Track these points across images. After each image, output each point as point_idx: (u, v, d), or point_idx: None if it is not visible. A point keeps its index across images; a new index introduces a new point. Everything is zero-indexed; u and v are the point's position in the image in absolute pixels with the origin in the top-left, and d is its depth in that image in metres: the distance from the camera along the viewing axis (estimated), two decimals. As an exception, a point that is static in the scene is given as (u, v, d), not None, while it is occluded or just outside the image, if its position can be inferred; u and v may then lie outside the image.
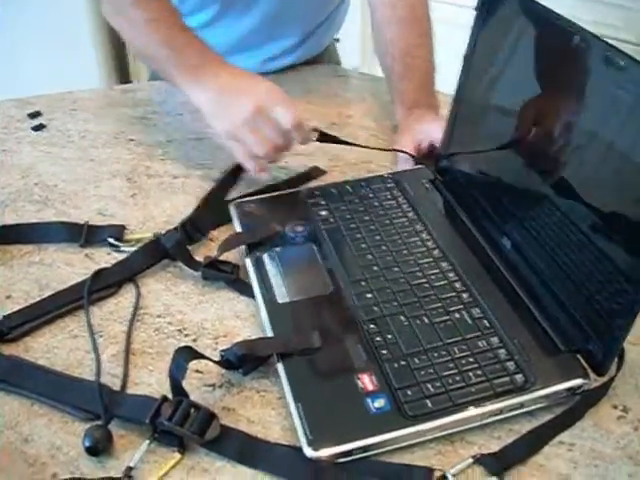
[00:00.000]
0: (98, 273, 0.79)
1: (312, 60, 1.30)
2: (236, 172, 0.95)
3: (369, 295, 0.73)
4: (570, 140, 0.71)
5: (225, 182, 0.94)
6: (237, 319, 0.75)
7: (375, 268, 0.76)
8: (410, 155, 0.95)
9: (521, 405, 0.63)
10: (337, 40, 1.40)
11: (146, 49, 0.97)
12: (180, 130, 1.09)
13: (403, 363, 0.65)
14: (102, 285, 0.78)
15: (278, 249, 0.79)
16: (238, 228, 0.83)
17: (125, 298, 0.78)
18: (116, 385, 0.68)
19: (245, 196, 0.90)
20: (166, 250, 0.81)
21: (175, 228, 0.84)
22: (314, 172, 0.97)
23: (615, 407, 0.66)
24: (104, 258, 0.84)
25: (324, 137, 0.94)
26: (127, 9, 0.95)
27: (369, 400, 0.62)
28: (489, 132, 0.85)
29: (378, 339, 0.67)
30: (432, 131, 0.95)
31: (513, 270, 0.75)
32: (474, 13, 0.82)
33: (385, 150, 0.99)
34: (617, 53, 0.62)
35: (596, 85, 0.66)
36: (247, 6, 1.14)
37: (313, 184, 0.94)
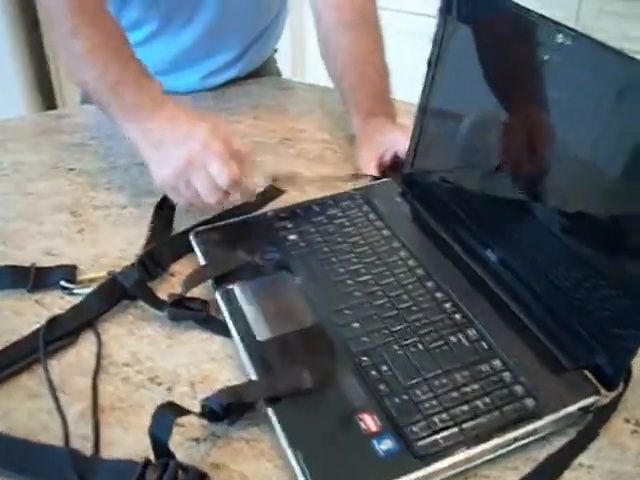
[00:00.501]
0: (52, 321, 0.71)
1: (254, 73, 1.25)
2: None
3: (355, 325, 0.67)
4: (546, 145, 0.67)
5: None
6: (213, 362, 0.69)
7: (357, 294, 0.71)
8: (375, 177, 0.91)
9: (535, 431, 0.59)
10: (276, 50, 1.36)
11: (86, 84, 0.88)
12: (123, 155, 1.02)
13: (405, 397, 0.60)
14: (58, 334, 0.71)
15: (249, 280, 0.73)
16: (202, 260, 0.77)
17: (85, 347, 0.71)
18: (88, 448, 0.60)
19: (204, 223, 0.83)
20: (125, 289, 0.75)
21: (132, 264, 0.78)
22: (271, 193, 0.90)
23: (627, 421, 0.63)
24: (57, 303, 0.76)
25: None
26: (67, 40, 0.87)
27: (375, 442, 0.57)
28: (458, 140, 0.81)
29: (373, 373, 0.62)
30: (395, 141, 0.91)
31: (502, 285, 0.71)
32: (436, 16, 0.78)
33: (347, 179, 0.94)
34: (606, 51, 0.58)
35: (575, 86, 0.63)
36: (187, 21, 1.09)
37: (273, 205, 0.89)
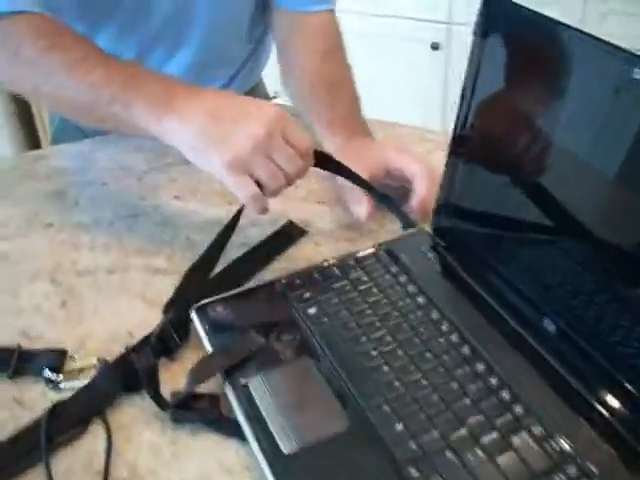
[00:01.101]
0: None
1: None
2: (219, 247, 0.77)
3: (399, 426, 0.56)
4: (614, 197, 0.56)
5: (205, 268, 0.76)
6: (228, 475, 0.57)
7: (397, 384, 0.59)
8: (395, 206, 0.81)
9: None
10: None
11: (78, 96, 0.75)
12: (107, 206, 0.90)
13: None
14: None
15: (265, 370, 0.61)
16: (207, 345, 0.65)
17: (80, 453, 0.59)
18: None
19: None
20: (128, 382, 0.63)
21: (132, 349, 0.66)
22: (291, 231, 0.81)
23: None
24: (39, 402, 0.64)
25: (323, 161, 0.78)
26: (39, 56, 0.76)
27: None
28: (504, 179, 0.69)
29: (426, 490, 0.51)
30: (387, 158, 0.83)
31: (565, 363, 0.60)
32: (472, 37, 0.66)
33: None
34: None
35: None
36: (168, 56, 1.00)
37: (284, 265, 0.77)
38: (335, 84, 0.94)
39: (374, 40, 2.22)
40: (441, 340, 0.63)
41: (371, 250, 0.74)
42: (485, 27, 0.65)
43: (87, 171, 0.99)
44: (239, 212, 0.75)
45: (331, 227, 0.85)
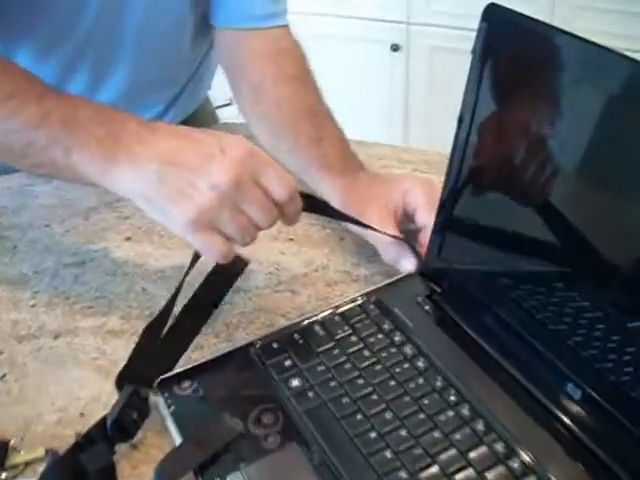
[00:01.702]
0: None
1: (187, 120, 1.05)
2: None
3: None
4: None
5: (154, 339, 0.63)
6: None
7: (402, 474, 0.50)
8: (412, 249, 0.70)
9: None
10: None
11: (7, 139, 0.63)
12: (51, 252, 0.80)
13: None
14: None
15: (246, 464, 0.51)
16: (176, 435, 0.55)
17: None
18: None
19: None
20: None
21: (85, 437, 0.55)
22: (234, 265, 0.69)
23: None
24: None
25: (313, 206, 0.67)
26: None
27: None
28: (510, 212, 0.61)
29: None
30: (407, 193, 0.72)
31: (596, 435, 0.51)
32: (471, 54, 0.57)
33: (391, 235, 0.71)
34: None
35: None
36: (94, 80, 0.89)
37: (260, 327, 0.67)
38: (317, 114, 0.83)
39: (331, 42, 2.12)
40: (450, 414, 0.54)
41: (358, 302, 0.65)
42: (486, 43, 0.55)
43: (25, 210, 0.87)
44: (195, 259, 0.64)
45: (307, 271, 0.75)
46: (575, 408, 0.54)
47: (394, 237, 0.69)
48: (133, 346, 0.62)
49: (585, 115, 0.51)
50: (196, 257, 0.62)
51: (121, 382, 0.59)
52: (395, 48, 2.13)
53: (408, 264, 0.69)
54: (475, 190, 0.63)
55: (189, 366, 0.60)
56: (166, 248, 0.79)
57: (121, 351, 0.65)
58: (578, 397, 0.54)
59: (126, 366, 0.60)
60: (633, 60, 0.46)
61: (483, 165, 0.61)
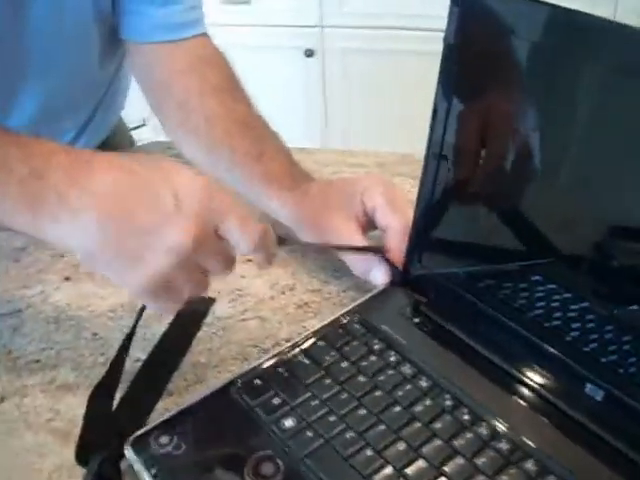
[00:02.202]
0: None
1: (103, 145, 0.98)
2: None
3: None
4: None
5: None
6: None
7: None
8: (383, 258, 0.64)
9: None
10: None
11: None
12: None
13: None
14: None
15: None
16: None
17: None
18: None
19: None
20: None
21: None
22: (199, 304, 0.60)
23: None
24: None
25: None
26: None
27: None
28: (492, 211, 0.57)
29: None
30: (369, 196, 0.67)
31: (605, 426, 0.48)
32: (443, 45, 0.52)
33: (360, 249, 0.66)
34: None
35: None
36: (3, 110, 0.80)
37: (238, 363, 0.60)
38: (252, 126, 0.77)
39: (243, 52, 2.05)
40: (469, 435, 0.48)
41: (341, 322, 0.59)
42: (458, 29, 0.50)
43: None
44: (141, 311, 0.57)
45: (273, 293, 0.69)
46: (580, 402, 0.50)
47: (369, 250, 0.63)
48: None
49: (575, 107, 0.47)
50: (144, 308, 0.55)
51: (83, 455, 0.51)
52: (309, 53, 2.08)
53: (379, 276, 0.64)
54: (454, 189, 0.58)
55: (163, 418, 0.52)
56: (111, 285, 0.71)
57: (78, 408, 0.57)
58: (601, 398, 0.50)
59: (81, 436, 0.52)
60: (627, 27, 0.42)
61: (462, 162, 0.56)
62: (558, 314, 0.55)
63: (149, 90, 0.85)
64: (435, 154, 0.56)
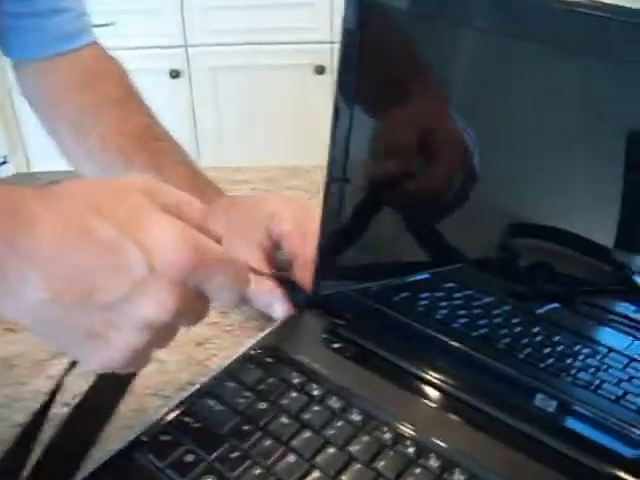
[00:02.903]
0: None
1: None
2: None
3: None
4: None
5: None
6: None
7: None
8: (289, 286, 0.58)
9: None
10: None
11: None
12: None
13: None
14: None
15: None
16: None
17: None
18: None
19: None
20: None
21: None
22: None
23: None
24: None
25: None
26: None
27: None
28: (400, 220, 0.52)
29: None
30: (278, 221, 0.61)
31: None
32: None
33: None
34: None
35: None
36: None
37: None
38: (151, 138, 0.72)
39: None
40: (418, 471, 0.43)
41: (251, 356, 0.52)
42: (359, 14, 0.45)
43: None
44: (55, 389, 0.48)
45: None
46: (527, 412, 0.46)
47: (276, 277, 0.57)
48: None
49: (500, 94, 0.43)
50: (73, 364, 0.46)
51: None
52: (175, 74, 2.00)
53: (279, 309, 0.57)
54: (357, 203, 0.53)
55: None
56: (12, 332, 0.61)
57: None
58: (554, 410, 0.45)
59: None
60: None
61: (370, 168, 0.51)
62: (483, 321, 0.52)
63: (41, 112, 0.78)
64: (339, 161, 0.50)
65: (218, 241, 0.40)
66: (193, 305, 0.40)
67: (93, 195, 0.38)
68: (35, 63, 0.74)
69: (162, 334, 0.40)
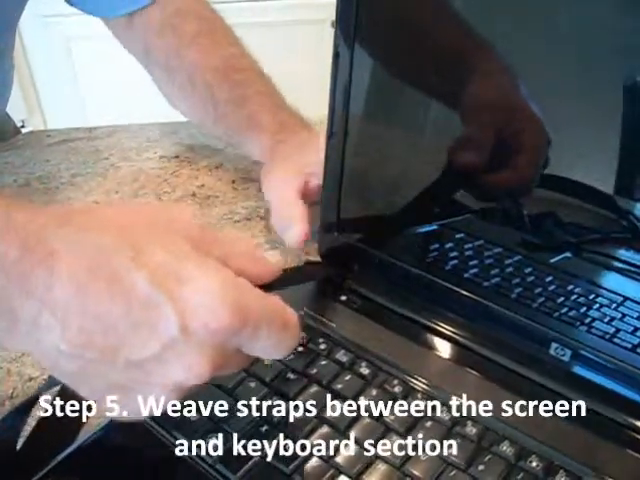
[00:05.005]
0: None
1: None
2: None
3: None
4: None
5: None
6: None
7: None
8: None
9: None
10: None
11: None
12: None
13: None
14: None
15: None
16: None
17: None
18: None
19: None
20: None
21: None
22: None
23: None
24: None
25: None
26: None
27: None
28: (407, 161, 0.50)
29: None
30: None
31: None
32: None
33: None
34: None
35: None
36: None
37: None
38: (235, 69, 0.72)
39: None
40: (428, 424, 0.41)
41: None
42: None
43: None
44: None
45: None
46: (544, 363, 0.45)
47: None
48: None
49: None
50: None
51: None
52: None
53: (293, 235, 0.58)
54: (363, 154, 0.51)
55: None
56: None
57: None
58: (568, 359, 0.44)
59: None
60: None
61: (370, 121, 0.49)
62: (495, 271, 0.50)
63: (141, 61, 0.79)
64: (338, 115, 0.49)
65: (273, 273, 0.37)
66: (229, 362, 0.36)
67: (127, 233, 0.33)
68: (123, 19, 0.76)
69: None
